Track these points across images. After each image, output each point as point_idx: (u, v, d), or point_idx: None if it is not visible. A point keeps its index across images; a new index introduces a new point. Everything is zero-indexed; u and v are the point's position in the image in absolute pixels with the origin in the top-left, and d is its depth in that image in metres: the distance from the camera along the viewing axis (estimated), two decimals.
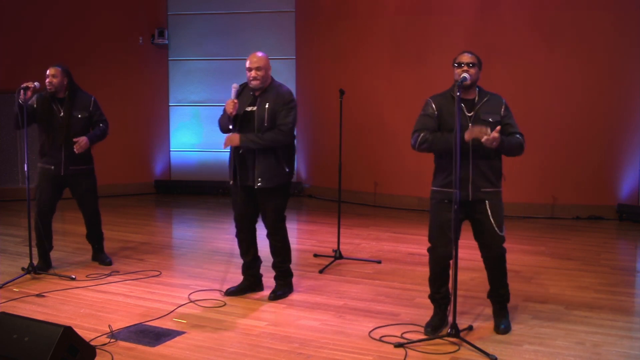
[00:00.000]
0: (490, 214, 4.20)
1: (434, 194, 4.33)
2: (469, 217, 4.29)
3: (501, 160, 4.30)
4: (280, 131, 4.76)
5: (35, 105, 5.59)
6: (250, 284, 5.15)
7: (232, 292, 5.10)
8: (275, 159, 4.82)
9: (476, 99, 4.26)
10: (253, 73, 4.77)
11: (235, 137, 4.77)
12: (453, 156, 3.97)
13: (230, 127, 4.82)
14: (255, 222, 5.08)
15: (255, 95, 4.84)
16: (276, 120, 4.78)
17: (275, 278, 5.15)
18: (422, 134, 4.24)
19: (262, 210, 4.97)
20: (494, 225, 4.20)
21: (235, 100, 4.77)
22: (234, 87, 4.86)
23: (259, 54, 4.84)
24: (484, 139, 4.00)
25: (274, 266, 5.13)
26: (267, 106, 4.77)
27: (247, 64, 4.79)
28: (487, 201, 4.20)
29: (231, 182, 4.94)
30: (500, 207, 4.26)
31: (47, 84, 5.57)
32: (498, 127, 4.04)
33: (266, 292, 5.13)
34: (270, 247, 5.08)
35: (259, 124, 4.75)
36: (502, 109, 4.25)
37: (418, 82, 8.64)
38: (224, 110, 4.87)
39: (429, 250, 4.36)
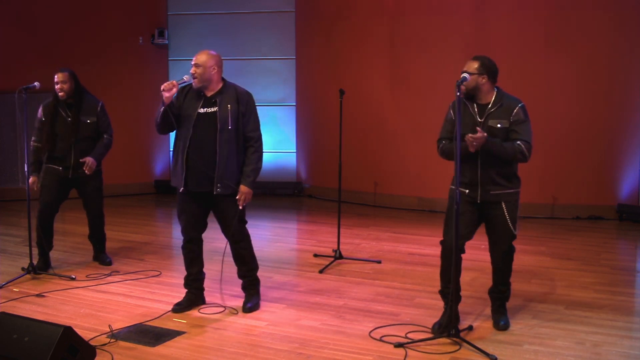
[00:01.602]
0: (506, 212, 4.27)
1: (450, 191, 4.38)
2: (483, 215, 4.35)
3: (511, 164, 4.30)
4: (259, 145, 4.65)
5: (44, 119, 5.61)
6: (196, 297, 4.86)
7: (179, 310, 4.74)
8: (237, 163, 4.61)
9: (490, 104, 4.25)
10: (192, 69, 4.55)
11: (248, 191, 4.58)
12: (459, 158, 4.04)
13: (162, 108, 4.49)
14: (203, 232, 4.84)
15: (207, 96, 4.59)
16: (242, 125, 4.58)
17: (244, 288, 4.89)
18: (441, 145, 4.40)
19: (221, 217, 4.71)
20: (510, 222, 4.27)
21: (176, 83, 4.48)
22: (186, 76, 4.59)
23: (207, 51, 4.64)
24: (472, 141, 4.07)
25: (242, 276, 4.87)
26: (229, 107, 4.55)
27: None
28: (503, 202, 4.26)
29: (181, 190, 4.60)
30: (516, 207, 4.32)
31: (57, 90, 5.56)
32: (478, 129, 4.07)
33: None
34: (235, 256, 4.83)
35: (221, 125, 4.51)
36: (513, 114, 4.20)
37: (419, 81, 8.64)
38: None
39: (441, 242, 4.41)
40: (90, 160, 5.63)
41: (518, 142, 4.17)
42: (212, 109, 4.57)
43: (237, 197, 4.61)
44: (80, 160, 5.61)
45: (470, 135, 4.05)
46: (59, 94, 5.56)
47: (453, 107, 4.35)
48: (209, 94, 4.62)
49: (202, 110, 4.57)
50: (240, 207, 4.63)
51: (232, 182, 4.58)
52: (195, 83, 4.58)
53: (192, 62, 4.58)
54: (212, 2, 9.88)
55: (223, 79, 4.69)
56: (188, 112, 4.58)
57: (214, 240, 7.15)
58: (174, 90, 4.49)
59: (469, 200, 4.26)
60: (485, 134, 4.07)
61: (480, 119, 4.22)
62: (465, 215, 4.22)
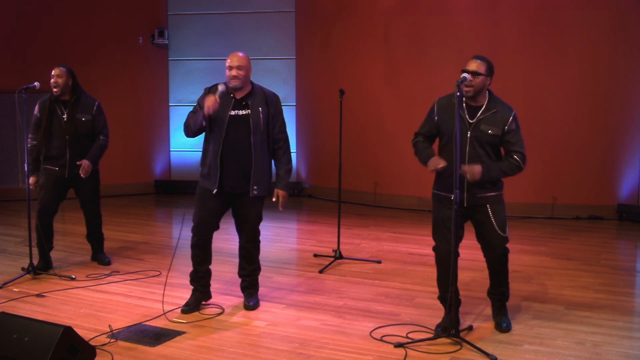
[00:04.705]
0: (492, 216, 4.24)
1: (433, 195, 4.39)
2: (470, 218, 4.33)
3: None
4: (287, 146, 4.76)
5: (39, 115, 5.61)
6: (202, 294, 4.83)
7: (188, 310, 4.72)
8: (269, 164, 4.75)
9: (483, 107, 4.22)
10: (234, 72, 4.52)
11: (285, 194, 4.70)
12: (458, 159, 4.00)
13: (204, 123, 4.56)
14: (215, 231, 4.81)
15: (236, 98, 4.60)
16: (271, 127, 4.67)
17: (244, 288, 4.90)
18: (415, 140, 4.42)
19: (244, 217, 4.74)
20: (496, 226, 4.24)
21: (218, 99, 4.46)
22: (221, 87, 4.56)
23: (241, 53, 4.63)
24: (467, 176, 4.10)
25: (245, 275, 4.87)
26: (260, 110, 4.62)
27: (228, 62, 4.56)
28: (488, 205, 4.24)
29: (215, 192, 4.58)
30: (502, 209, 4.29)
31: (52, 84, 5.55)
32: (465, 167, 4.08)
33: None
34: (244, 255, 4.85)
35: (254, 128, 4.57)
36: (507, 124, 4.17)
37: (417, 82, 8.64)
38: (198, 108, 4.58)
39: (433, 248, 4.38)
40: (86, 164, 5.63)
41: (514, 156, 4.17)
42: (244, 112, 4.60)
43: (273, 199, 4.72)
44: (77, 162, 5.62)
45: (465, 167, 4.07)
46: (53, 89, 5.54)
47: (439, 105, 4.30)
48: (239, 96, 4.63)
49: (233, 113, 4.59)
50: (281, 209, 4.73)
51: (267, 184, 4.71)
52: (236, 84, 4.56)
53: (233, 65, 4.53)
54: (212, 2, 9.88)
55: (251, 80, 4.71)
56: (219, 114, 4.56)
57: (214, 240, 7.14)
58: (217, 104, 4.48)
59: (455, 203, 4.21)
60: (480, 166, 4.08)
61: (471, 120, 4.20)
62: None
